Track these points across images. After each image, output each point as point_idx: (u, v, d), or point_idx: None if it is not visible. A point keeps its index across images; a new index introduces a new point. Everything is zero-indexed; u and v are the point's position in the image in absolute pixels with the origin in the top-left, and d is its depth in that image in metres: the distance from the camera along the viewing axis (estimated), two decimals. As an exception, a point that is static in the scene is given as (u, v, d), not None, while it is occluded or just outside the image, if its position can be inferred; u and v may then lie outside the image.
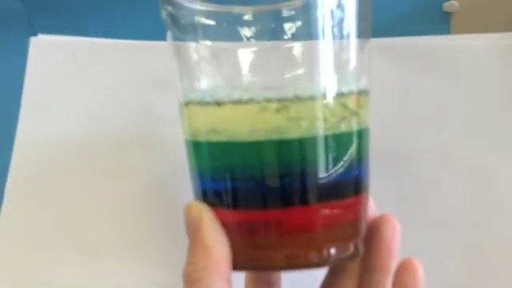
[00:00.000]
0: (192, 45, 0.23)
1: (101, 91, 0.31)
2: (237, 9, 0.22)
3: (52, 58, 0.31)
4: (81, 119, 0.31)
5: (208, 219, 0.20)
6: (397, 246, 0.22)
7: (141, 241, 0.29)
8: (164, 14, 0.23)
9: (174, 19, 0.23)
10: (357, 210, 0.21)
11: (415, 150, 0.30)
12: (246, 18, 0.22)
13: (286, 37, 0.22)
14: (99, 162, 0.30)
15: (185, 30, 0.23)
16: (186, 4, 0.22)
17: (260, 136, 0.19)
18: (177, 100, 0.23)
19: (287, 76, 0.21)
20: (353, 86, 0.21)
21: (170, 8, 0.23)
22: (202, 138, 0.21)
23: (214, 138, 0.20)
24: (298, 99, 0.19)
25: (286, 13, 0.22)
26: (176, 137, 0.25)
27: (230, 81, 0.22)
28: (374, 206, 0.23)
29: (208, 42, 0.23)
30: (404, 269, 0.21)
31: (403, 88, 0.31)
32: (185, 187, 0.23)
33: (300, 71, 0.21)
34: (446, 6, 0.48)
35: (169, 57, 0.23)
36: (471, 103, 0.31)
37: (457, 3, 0.48)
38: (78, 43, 0.32)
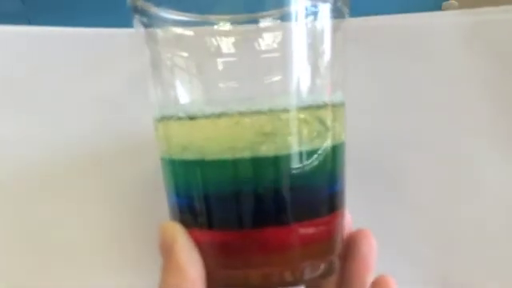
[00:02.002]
0: (167, 56, 0.22)
1: (52, 81, 0.30)
2: (213, 18, 0.22)
3: (11, 49, 0.30)
4: (34, 111, 0.30)
5: (181, 239, 0.20)
6: (373, 260, 0.22)
7: (115, 244, 0.29)
8: (137, 24, 0.22)
9: (149, 30, 0.22)
10: (333, 228, 0.21)
11: (386, 135, 0.30)
12: (222, 27, 0.22)
13: (262, 46, 0.21)
14: (59, 160, 0.29)
15: (159, 41, 0.22)
16: (161, 14, 0.22)
17: (233, 153, 0.19)
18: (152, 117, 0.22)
19: (262, 87, 0.21)
20: (328, 99, 0.21)
21: (144, 19, 0.22)
22: (176, 155, 0.20)
23: (188, 156, 0.20)
24: (272, 113, 0.19)
25: (263, 22, 0.21)
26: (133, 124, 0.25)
27: (204, 93, 0.22)
28: (350, 218, 0.23)
29: (184, 53, 0.22)
30: (378, 285, 0.21)
31: (368, 71, 0.30)
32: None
33: (276, 83, 0.21)
34: (445, 6, 0.48)
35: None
36: (439, 84, 0.30)
37: (456, 2, 0.48)
38: (24, 33, 0.31)
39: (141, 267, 0.28)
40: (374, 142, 0.30)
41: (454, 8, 0.47)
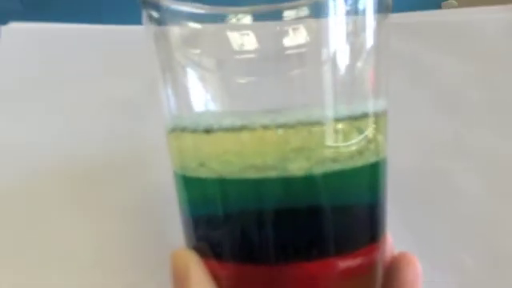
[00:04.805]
0: (181, 55, 0.19)
1: (74, 79, 0.29)
2: (232, 10, 0.19)
3: (25, 47, 0.30)
4: (53, 112, 0.29)
5: (196, 271, 0.17)
6: None
7: (125, 251, 0.27)
8: (147, 20, 0.19)
9: (159, 24, 0.19)
10: (374, 259, 0.18)
11: (427, 138, 0.28)
12: (242, 20, 0.19)
13: (288, 42, 0.18)
14: (76, 162, 0.28)
15: (172, 38, 0.20)
16: (174, 7, 0.19)
17: (257, 172, 0.16)
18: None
19: (289, 91, 0.18)
20: (369, 107, 0.17)
21: (155, 14, 0.19)
22: (191, 172, 0.18)
23: (204, 174, 0.17)
24: (303, 125, 0.16)
25: (290, 14, 0.18)
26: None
27: (222, 102, 0.19)
28: (391, 240, 0.20)
29: (199, 51, 0.20)
30: None
31: (411, 69, 0.28)
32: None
33: (305, 85, 0.18)
34: (445, 5, 0.47)
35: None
36: (484, 83, 0.28)
37: (455, 2, 0.47)
38: (53, 30, 0.30)
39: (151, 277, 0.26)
40: (411, 144, 0.27)
41: (454, 7, 0.46)
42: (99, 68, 0.29)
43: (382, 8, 0.18)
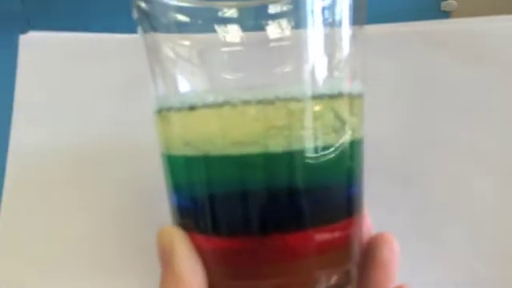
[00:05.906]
0: (167, 45, 0.20)
1: (95, 89, 0.30)
2: (218, 4, 0.20)
3: (43, 56, 0.30)
4: (75, 121, 0.29)
5: (181, 246, 0.18)
6: (396, 268, 0.20)
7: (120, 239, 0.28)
8: (136, 12, 0.20)
9: (147, 16, 0.20)
10: (350, 234, 0.18)
11: (442, 145, 0.28)
12: (228, 13, 0.20)
13: (272, 34, 0.19)
14: (96, 168, 0.29)
15: (159, 28, 0.20)
16: (162, -1, 0.20)
17: (240, 149, 0.17)
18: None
19: (271, 78, 0.19)
20: (345, 90, 0.18)
21: (142, 4, 0.20)
22: (177, 151, 0.18)
23: (189, 152, 0.18)
24: (281, 102, 0.17)
25: (272, 9, 0.19)
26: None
27: (208, 86, 0.20)
28: (370, 222, 0.21)
29: (186, 42, 0.20)
30: None
31: (427, 77, 0.29)
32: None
33: (286, 74, 0.19)
34: (444, 5, 0.48)
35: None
36: (500, 92, 0.28)
37: (455, 2, 0.47)
38: (71, 39, 0.30)
39: (142, 268, 0.27)
40: (426, 151, 0.28)
41: (453, 7, 0.47)
42: (117, 77, 0.30)
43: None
